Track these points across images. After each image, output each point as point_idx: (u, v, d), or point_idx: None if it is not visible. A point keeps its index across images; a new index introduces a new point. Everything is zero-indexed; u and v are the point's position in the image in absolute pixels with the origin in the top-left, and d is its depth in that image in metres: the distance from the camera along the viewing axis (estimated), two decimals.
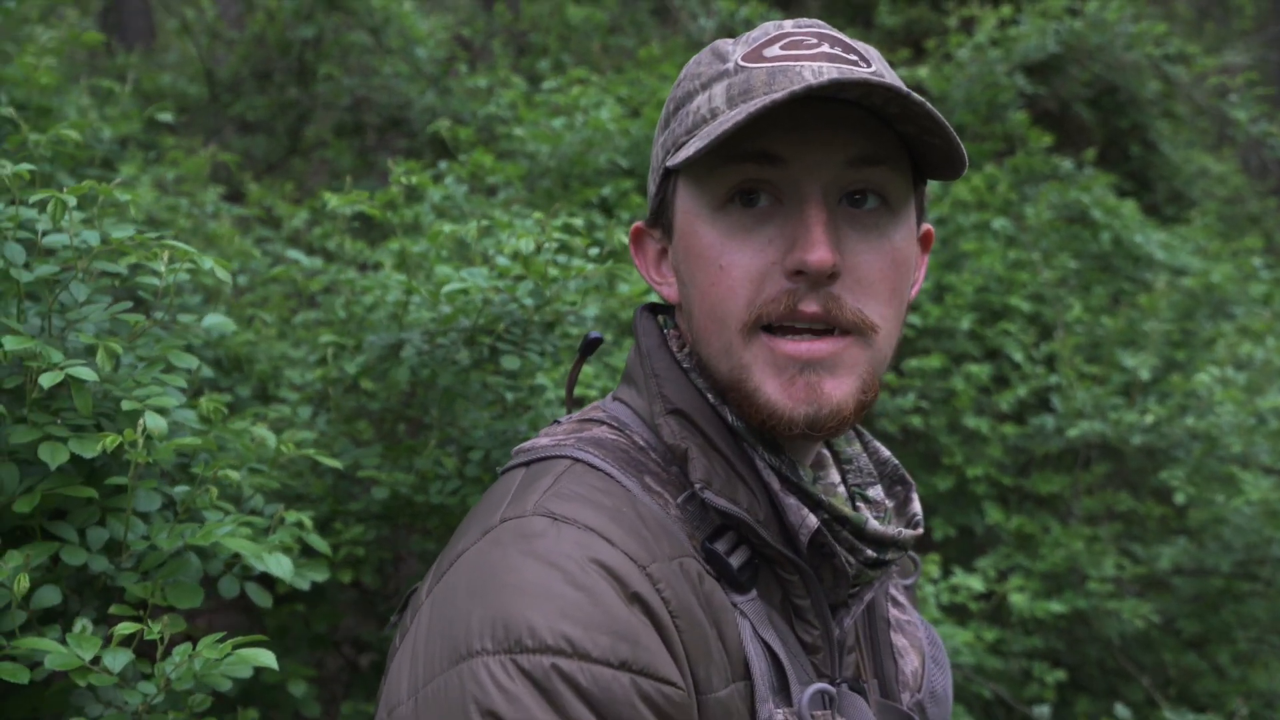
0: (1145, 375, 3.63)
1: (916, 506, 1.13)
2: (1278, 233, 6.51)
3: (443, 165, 3.13)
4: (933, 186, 4.15)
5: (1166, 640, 3.60)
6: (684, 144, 0.99)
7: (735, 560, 0.97)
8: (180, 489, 1.55)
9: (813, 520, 0.98)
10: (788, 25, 1.02)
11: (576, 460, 1.00)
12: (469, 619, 0.85)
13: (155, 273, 1.47)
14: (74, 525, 1.40)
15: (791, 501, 0.98)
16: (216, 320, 1.69)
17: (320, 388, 2.22)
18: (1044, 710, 3.19)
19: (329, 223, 2.94)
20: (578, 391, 2.21)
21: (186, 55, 5.44)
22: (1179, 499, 3.35)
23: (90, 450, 1.34)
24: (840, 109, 0.95)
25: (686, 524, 0.98)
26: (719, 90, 0.99)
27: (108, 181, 1.62)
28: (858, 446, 1.16)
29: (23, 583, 1.26)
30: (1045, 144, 4.55)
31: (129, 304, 1.52)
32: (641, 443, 1.03)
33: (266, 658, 1.29)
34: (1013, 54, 4.79)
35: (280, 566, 1.47)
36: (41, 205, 1.46)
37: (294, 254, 2.46)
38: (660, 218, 1.08)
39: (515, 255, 1.96)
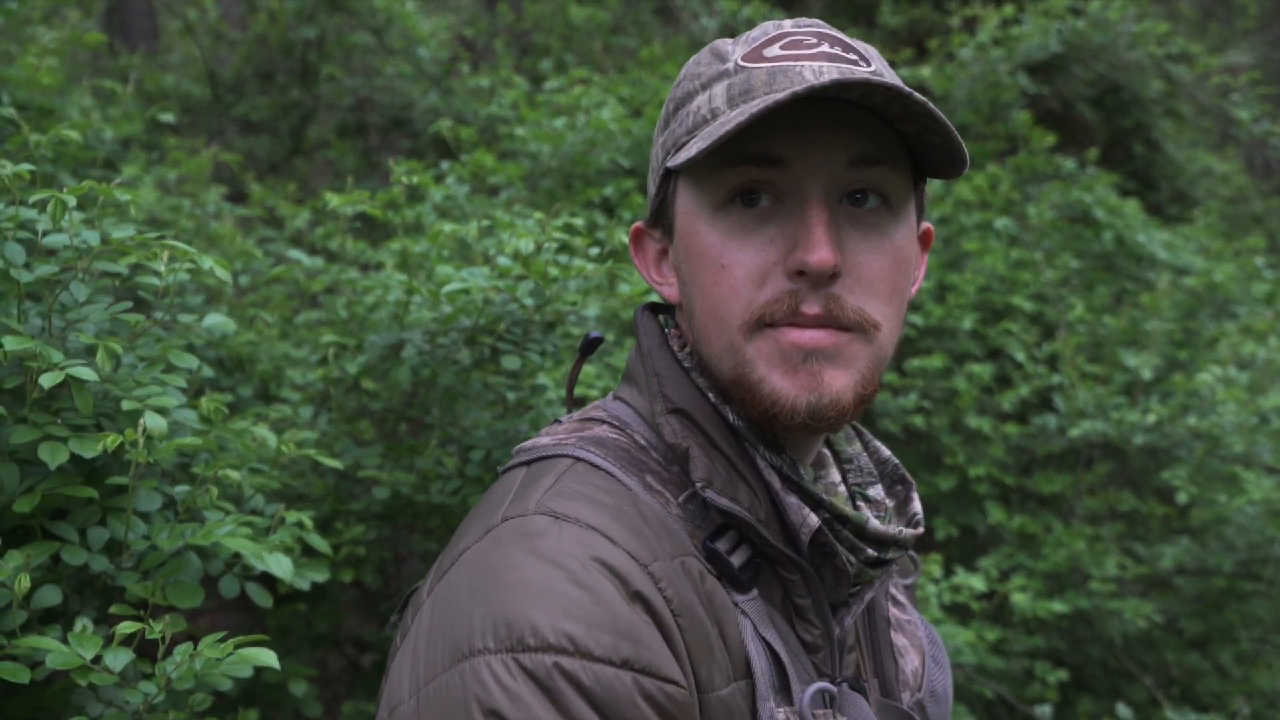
0: (1147, 375, 3.63)
1: (917, 506, 1.13)
2: None
3: (444, 165, 3.13)
4: (935, 186, 4.14)
5: (1169, 640, 3.60)
6: (684, 144, 0.99)
7: (736, 559, 0.97)
8: (181, 489, 1.55)
9: (814, 519, 0.98)
10: (787, 25, 1.02)
11: (578, 459, 1.00)
12: (471, 618, 0.85)
13: (155, 273, 1.47)
14: (74, 525, 1.40)
15: (793, 500, 0.98)
16: (217, 320, 1.69)
17: (321, 387, 2.22)
18: (1046, 710, 3.18)
19: (331, 223, 2.94)
20: (578, 391, 2.21)
21: (189, 56, 5.45)
22: (1181, 499, 3.35)
23: (90, 450, 1.34)
24: (841, 109, 0.95)
25: (688, 523, 0.98)
26: (719, 90, 0.98)
27: (110, 182, 1.62)
28: (858, 446, 1.16)
29: (23, 582, 1.26)
30: (1048, 143, 4.55)
31: (129, 304, 1.51)
32: (643, 442, 1.03)
33: (268, 657, 1.29)
34: (1015, 53, 4.78)
35: (280, 566, 1.47)
36: (42, 205, 1.46)
37: (296, 254, 2.47)
38: (660, 218, 1.08)
39: (516, 255, 1.96)
